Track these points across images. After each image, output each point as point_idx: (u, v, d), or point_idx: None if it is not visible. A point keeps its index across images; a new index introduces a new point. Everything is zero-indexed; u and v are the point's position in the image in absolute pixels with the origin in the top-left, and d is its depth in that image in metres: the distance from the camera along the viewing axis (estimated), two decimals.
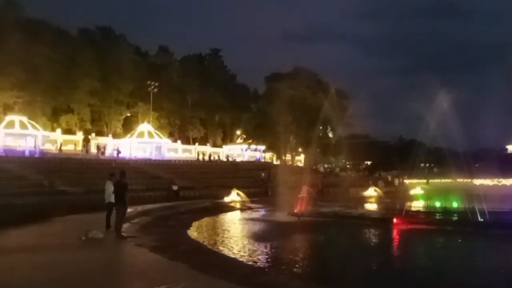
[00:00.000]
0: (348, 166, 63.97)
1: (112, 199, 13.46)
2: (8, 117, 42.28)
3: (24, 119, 42.67)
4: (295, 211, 22.35)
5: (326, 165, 66.08)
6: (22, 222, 14.95)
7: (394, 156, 66.08)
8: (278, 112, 42.71)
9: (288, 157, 58.22)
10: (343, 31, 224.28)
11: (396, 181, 51.39)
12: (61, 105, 54.58)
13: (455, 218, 19.69)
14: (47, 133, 45.49)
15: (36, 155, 39.11)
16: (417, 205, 26.40)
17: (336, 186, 39.07)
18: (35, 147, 41.26)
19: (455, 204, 22.95)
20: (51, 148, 44.88)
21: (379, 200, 35.43)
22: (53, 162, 35.75)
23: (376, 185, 41.80)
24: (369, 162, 77.28)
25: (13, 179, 27.45)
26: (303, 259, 12.26)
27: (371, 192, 39.35)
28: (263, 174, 43.84)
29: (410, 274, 10.48)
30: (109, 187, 13.82)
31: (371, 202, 34.38)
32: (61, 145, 43.52)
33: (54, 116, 54.14)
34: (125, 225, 14.19)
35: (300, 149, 62.38)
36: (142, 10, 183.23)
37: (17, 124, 41.19)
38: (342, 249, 14.32)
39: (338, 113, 31.30)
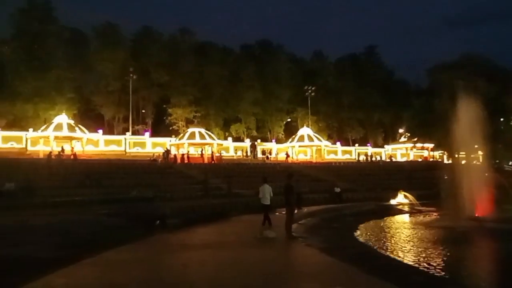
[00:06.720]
0: None
1: (266, 201, 14.67)
2: (190, 129, 48.93)
3: (202, 130, 48.84)
4: (475, 215, 19.93)
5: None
6: (207, 221, 17.14)
7: None
8: (446, 106, 38.73)
9: (462, 155, 52.07)
10: None
11: None
12: (230, 116, 60.66)
13: None
14: (220, 141, 51.04)
15: (213, 162, 44.23)
16: None
17: None
18: (212, 154, 46.66)
19: None
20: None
21: None
22: (227, 167, 39.84)
23: None
24: None
25: (194, 183, 31.58)
26: (485, 270, 10.87)
27: None
28: (445, 176, 40.28)
29: None
30: (263, 190, 14.98)
31: None
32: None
33: (225, 126, 60.53)
34: (294, 226, 14.87)
35: (476, 146, 55.17)
36: (295, 18, 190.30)
37: (197, 135, 47.32)
38: None
39: None
